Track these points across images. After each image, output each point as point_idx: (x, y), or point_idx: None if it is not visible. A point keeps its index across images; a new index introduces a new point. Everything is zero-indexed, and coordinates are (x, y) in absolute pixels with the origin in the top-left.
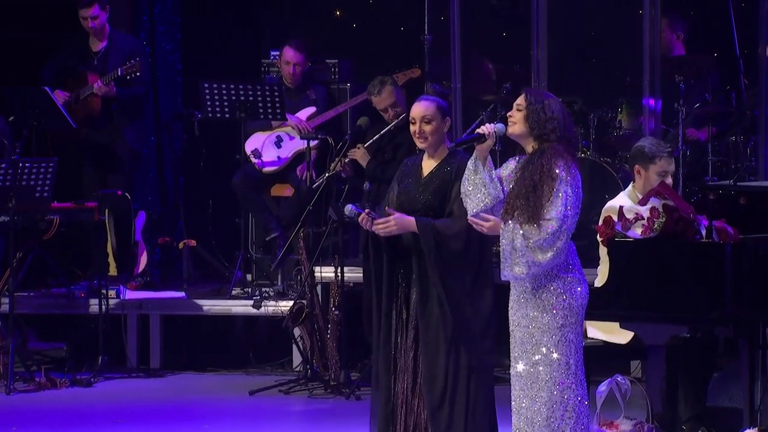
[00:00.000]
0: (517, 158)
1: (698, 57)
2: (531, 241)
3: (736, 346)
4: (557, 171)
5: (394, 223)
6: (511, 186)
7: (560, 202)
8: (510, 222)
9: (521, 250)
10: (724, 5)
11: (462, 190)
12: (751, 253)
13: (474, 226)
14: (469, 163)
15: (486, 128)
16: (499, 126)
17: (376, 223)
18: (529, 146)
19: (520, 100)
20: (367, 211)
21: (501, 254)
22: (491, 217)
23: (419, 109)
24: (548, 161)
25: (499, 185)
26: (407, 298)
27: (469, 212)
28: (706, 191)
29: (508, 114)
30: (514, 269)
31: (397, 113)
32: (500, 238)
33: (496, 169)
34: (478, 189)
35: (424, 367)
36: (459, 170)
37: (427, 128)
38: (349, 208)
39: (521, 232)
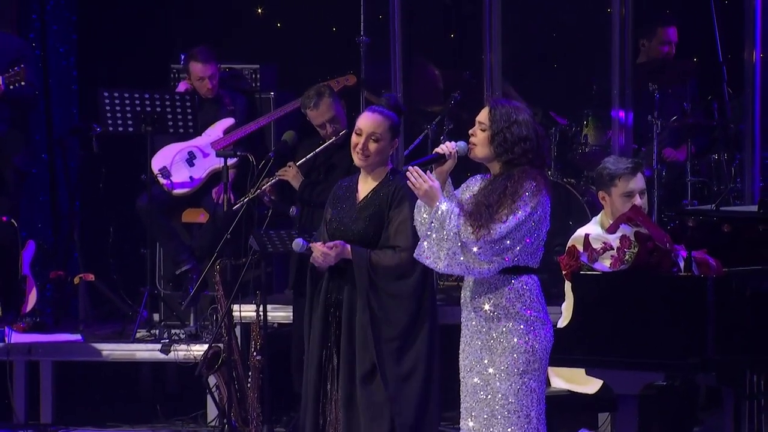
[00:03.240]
0: (480, 177)
1: (676, 62)
2: (462, 235)
3: (720, 395)
4: (522, 193)
5: (333, 250)
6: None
7: (513, 219)
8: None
9: (450, 236)
10: (705, 3)
11: (417, 218)
12: (737, 288)
13: (409, 177)
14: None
15: (446, 147)
16: (461, 144)
17: (314, 248)
18: (495, 168)
19: (484, 117)
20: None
21: (426, 231)
22: (435, 181)
23: (369, 121)
24: (514, 184)
25: None
26: (338, 341)
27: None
28: (684, 217)
29: (470, 131)
30: (431, 252)
31: (336, 130)
32: (431, 212)
33: (456, 189)
34: None
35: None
36: (396, 193)
37: (373, 147)
38: (299, 244)
39: (458, 218)
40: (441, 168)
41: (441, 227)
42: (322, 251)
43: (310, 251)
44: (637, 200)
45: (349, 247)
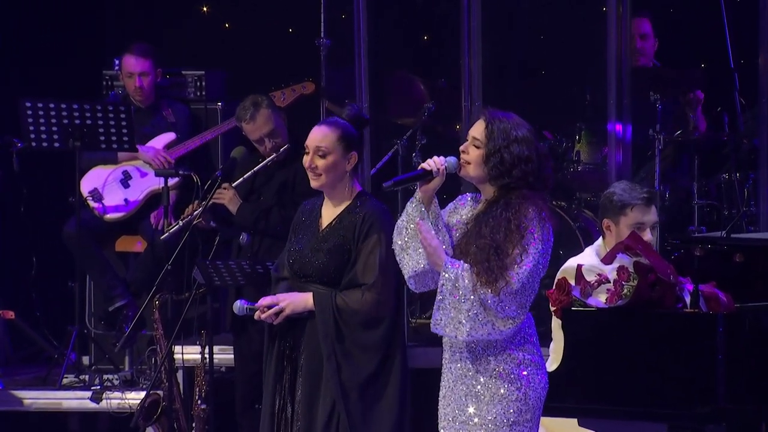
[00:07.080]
0: (470, 197)
1: (681, 69)
2: (479, 291)
3: None
4: (528, 225)
5: (286, 304)
6: (462, 237)
7: (528, 260)
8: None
9: (466, 295)
10: (714, 4)
11: (397, 242)
12: (751, 327)
13: (421, 233)
14: (408, 207)
15: (434, 163)
16: (452, 160)
17: (262, 307)
18: (489, 192)
19: (479, 131)
20: (261, 304)
21: (437, 297)
22: (435, 240)
23: (313, 136)
24: (516, 215)
25: (447, 237)
26: (292, 388)
27: (405, 273)
28: (690, 245)
29: (461, 148)
30: (449, 319)
31: (277, 145)
32: (440, 273)
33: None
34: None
35: None
36: (364, 223)
37: (320, 163)
38: (238, 306)
39: (470, 273)
40: (426, 186)
41: (455, 288)
42: (272, 313)
43: (252, 312)
44: (648, 235)
45: (305, 299)
